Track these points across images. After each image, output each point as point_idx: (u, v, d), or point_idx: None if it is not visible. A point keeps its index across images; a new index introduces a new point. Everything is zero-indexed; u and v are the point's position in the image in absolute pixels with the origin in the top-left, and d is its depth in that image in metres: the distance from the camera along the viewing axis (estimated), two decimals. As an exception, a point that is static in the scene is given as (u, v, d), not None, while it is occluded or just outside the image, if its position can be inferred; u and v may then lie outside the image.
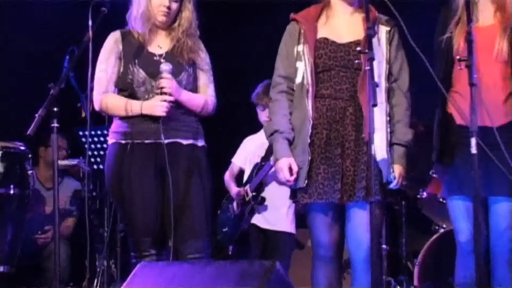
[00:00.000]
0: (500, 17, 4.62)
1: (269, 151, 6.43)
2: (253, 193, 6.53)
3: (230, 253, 6.59)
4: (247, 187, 6.52)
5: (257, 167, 6.58)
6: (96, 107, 5.23)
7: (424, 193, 6.64)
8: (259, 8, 7.77)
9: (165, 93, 5.01)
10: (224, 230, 6.56)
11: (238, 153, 6.66)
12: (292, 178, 4.71)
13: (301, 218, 5.30)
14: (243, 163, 6.71)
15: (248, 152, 6.62)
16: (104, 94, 5.19)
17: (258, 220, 6.60)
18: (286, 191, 6.30)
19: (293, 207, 6.59)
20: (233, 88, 6.77)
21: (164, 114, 5.00)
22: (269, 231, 6.61)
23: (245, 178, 6.64)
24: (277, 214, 6.61)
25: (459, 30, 4.63)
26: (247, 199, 6.51)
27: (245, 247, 6.65)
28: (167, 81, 5.02)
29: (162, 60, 5.15)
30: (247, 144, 6.63)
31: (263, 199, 6.55)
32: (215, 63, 5.43)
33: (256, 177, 6.53)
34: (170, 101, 5.02)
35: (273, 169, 6.18)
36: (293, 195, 4.87)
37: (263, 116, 6.61)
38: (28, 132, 4.68)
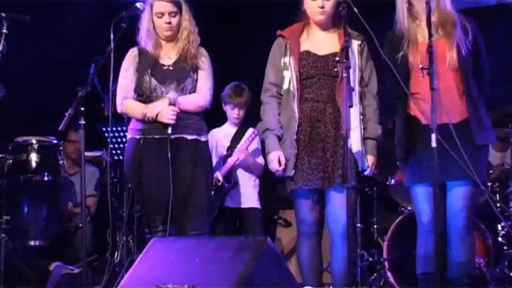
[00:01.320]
0: (445, 34, 4.64)
1: (234, 141, 6.57)
2: (225, 179, 6.52)
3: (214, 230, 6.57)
4: (217, 173, 6.48)
5: (225, 156, 6.56)
6: (118, 110, 5.30)
7: (392, 180, 6.63)
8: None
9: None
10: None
11: None
12: (281, 168, 4.76)
13: (288, 200, 5.28)
14: (212, 151, 6.69)
15: (213, 142, 6.59)
16: (125, 100, 5.25)
17: (229, 202, 6.58)
18: (250, 174, 6.56)
19: (257, 186, 6.64)
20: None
21: (172, 122, 5.06)
22: (240, 209, 6.59)
23: (214, 166, 6.60)
24: (245, 194, 6.59)
25: (411, 47, 4.64)
26: (219, 184, 6.50)
27: (218, 226, 6.62)
28: (172, 112, 5.08)
29: (171, 90, 5.20)
30: (213, 135, 6.59)
31: (236, 183, 6.54)
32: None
33: (225, 164, 6.50)
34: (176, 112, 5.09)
35: (240, 157, 6.43)
36: (282, 182, 4.88)
37: (232, 113, 6.63)
38: (60, 127, 4.76)
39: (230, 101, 6.59)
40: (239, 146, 6.46)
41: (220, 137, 6.68)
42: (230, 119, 6.69)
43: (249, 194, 6.63)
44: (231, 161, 6.49)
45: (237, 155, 6.43)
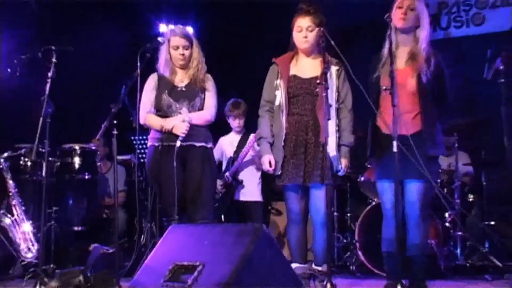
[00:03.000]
0: (411, 64, 4.59)
1: (239, 146, 6.52)
2: (232, 177, 6.49)
3: (223, 220, 6.55)
4: (227, 173, 6.48)
5: (233, 159, 6.53)
6: (141, 122, 5.27)
7: (362, 178, 6.61)
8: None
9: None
10: (216, 205, 6.50)
11: (215, 150, 6.63)
12: (271, 168, 4.80)
13: (280, 193, 5.27)
14: (220, 156, 6.66)
15: (223, 148, 6.61)
16: (147, 114, 5.25)
17: (237, 196, 6.55)
18: (254, 173, 6.49)
19: (260, 183, 6.60)
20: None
21: (184, 135, 5.08)
22: (246, 202, 6.55)
23: (224, 167, 6.60)
24: (249, 189, 6.55)
25: (383, 70, 4.60)
26: (228, 182, 6.49)
27: (229, 215, 6.62)
28: (185, 126, 5.11)
29: (184, 107, 5.22)
30: (221, 142, 6.63)
31: (241, 180, 6.52)
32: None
33: (232, 166, 6.48)
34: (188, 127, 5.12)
35: (241, 160, 6.41)
36: (273, 179, 4.90)
37: (233, 123, 6.62)
38: (97, 137, 4.80)
39: (231, 114, 6.59)
40: (243, 150, 6.43)
41: (227, 143, 6.67)
42: (234, 129, 6.67)
43: (253, 189, 6.59)
44: (237, 163, 6.46)
45: (242, 157, 6.42)
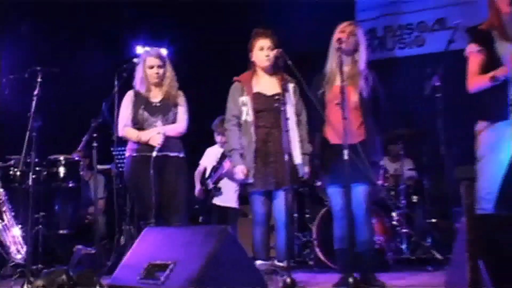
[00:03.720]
0: (353, 82, 4.65)
1: (221, 158, 6.44)
2: (213, 185, 6.47)
3: (200, 221, 6.51)
4: (209, 180, 6.48)
5: (214, 168, 6.51)
6: (120, 135, 5.26)
7: (319, 183, 6.63)
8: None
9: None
10: (195, 207, 6.49)
11: (203, 159, 6.63)
12: (244, 177, 4.77)
13: (246, 198, 5.27)
14: (206, 164, 6.66)
15: (209, 158, 6.60)
16: (125, 127, 5.22)
17: (216, 200, 6.53)
18: (232, 182, 6.38)
19: (237, 191, 6.52)
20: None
21: (160, 145, 5.06)
22: (223, 207, 6.54)
23: (207, 174, 6.58)
24: (228, 196, 6.53)
25: (328, 87, 4.66)
26: (209, 188, 6.49)
27: (208, 217, 6.60)
28: (161, 138, 5.09)
29: (158, 120, 5.22)
30: (208, 153, 6.62)
31: (219, 188, 6.50)
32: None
33: (214, 174, 6.47)
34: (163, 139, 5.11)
35: (224, 170, 6.30)
36: (244, 187, 4.91)
37: (218, 138, 6.59)
38: (79, 149, 4.84)
39: (216, 129, 6.57)
40: (225, 162, 6.38)
41: (212, 154, 6.65)
42: (218, 143, 6.65)
43: (231, 197, 6.56)
44: (219, 172, 6.43)
45: (224, 167, 6.36)
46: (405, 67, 7.65)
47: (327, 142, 4.70)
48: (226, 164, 6.32)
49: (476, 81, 4.38)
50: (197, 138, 6.67)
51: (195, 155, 6.76)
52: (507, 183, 4.32)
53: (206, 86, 8.07)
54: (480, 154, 4.35)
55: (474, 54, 4.42)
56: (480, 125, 4.39)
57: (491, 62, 4.32)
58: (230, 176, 6.40)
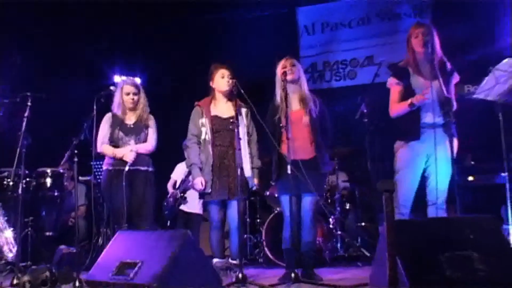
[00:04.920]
0: (303, 106, 4.67)
1: (188, 173, 6.27)
2: (181, 194, 6.41)
3: (168, 225, 6.44)
4: (177, 191, 6.41)
5: (182, 181, 6.46)
6: (98, 151, 5.18)
7: (268, 192, 6.63)
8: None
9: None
10: (165, 213, 6.42)
11: (173, 172, 6.58)
12: (202, 188, 4.74)
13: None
14: (176, 177, 6.60)
15: (178, 172, 6.54)
16: (102, 145, 5.16)
17: (182, 207, 6.49)
18: (197, 193, 6.31)
19: (201, 200, 6.47)
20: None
21: (132, 161, 5.03)
22: (189, 213, 6.50)
23: (177, 185, 6.52)
24: (192, 204, 6.51)
25: (280, 113, 4.65)
26: (177, 197, 6.43)
27: (175, 221, 6.54)
28: (133, 155, 5.06)
29: (132, 139, 5.17)
30: (178, 168, 6.56)
31: (185, 197, 6.45)
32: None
33: (182, 185, 6.41)
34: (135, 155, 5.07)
35: (190, 182, 6.19)
36: (203, 196, 4.86)
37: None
38: (61, 163, 4.84)
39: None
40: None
41: (181, 169, 6.58)
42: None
43: (195, 204, 6.54)
44: (188, 184, 6.38)
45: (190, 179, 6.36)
46: (340, 96, 7.70)
47: (281, 158, 4.68)
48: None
49: (397, 108, 4.51)
50: (166, 155, 6.62)
51: (165, 169, 6.73)
52: (420, 192, 4.47)
53: (173, 109, 8.04)
54: (398, 168, 4.49)
55: (394, 86, 4.55)
56: (398, 144, 4.53)
57: (408, 92, 4.48)
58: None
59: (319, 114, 4.71)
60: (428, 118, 4.39)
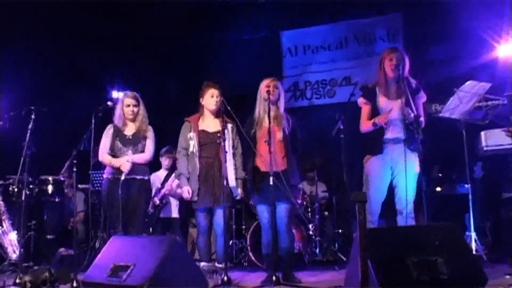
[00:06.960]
0: (278, 123, 4.68)
1: (164, 180, 6.36)
2: (159, 201, 6.34)
3: (151, 231, 6.37)
4: (155, 198, 6.32)
5: (159, 189, 6.38)
6: (99, 159, 5.17)
7: (252, 201, 6.60)
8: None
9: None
10: (146, 220, 6.34)
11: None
12: (189, 196, 4.72)
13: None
14: (152, 186, 6.53)
15: (154, 181, 6.43)
16: (103, 154, 5.13)
17: (163, 214, 6.41)
18: (174, 199, 6.35)
19: (178, 206, 6.49)
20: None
21: (127, 171, 4.99)
22: (169, 218, 6.45)
23: (153, 193, 6.38)
24: (171, 209, 6.47)
25: (258, 128, 4.69)
26: (156, 204, 6.36)
27: (155, 227, 6.47)
28: (128, 165, 5.02)
29: (130, 150, 5.12)
30: (153, 177, 6.44)
31: (166, 203, 6.40)
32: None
33: (159, 193, 6.33)
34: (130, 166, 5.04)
35: (167, 190, 6.26)
36: (190, 204, 4.83)
37: (165, 162, 6.56)
38: (62, 172, 4.77)
39: (165, 155, 6.51)
40: (167, 183, 6.33)
41: (157, 178, 6.52)
42: (164, 166, 6.57)
43: (173, 209, 6.48)
44: (162, 191, 6.33)
45: (166, 188, 6.31)
46: (320, 112, 7.71)
47: (258, 170, 4.70)
48: (168, 185, 6.27)
49: (365, 125, 4.64)
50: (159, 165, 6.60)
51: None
52: (386, 201, 4.54)
53: (168, 123, 8.06)
54: (366, 179, 4.59)
55: (363, 105, 4.69)
56: (366, 157, 4.64)
57: (374, 111, 4.60)
58: (172, 193, 6.36)
59: (291, 131, 4.74)
60: (390, 134, 4.52)
